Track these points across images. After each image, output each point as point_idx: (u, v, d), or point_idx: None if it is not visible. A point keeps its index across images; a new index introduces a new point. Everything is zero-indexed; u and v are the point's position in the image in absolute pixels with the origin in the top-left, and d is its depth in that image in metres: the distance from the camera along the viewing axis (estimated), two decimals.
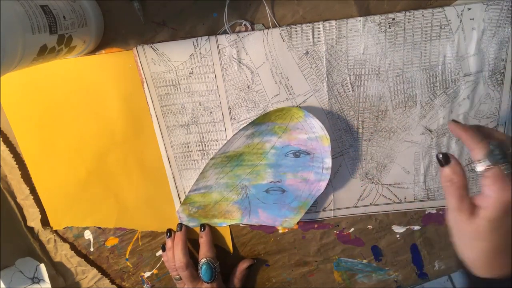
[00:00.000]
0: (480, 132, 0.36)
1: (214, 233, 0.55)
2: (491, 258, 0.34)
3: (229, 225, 0.54)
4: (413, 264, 0.56)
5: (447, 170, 0.36)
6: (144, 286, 0.59)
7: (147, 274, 0.58)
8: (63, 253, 0.56)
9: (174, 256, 0.53)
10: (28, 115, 0.50)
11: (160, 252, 0.57)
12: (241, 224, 0.54)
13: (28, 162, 0.52)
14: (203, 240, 0.53)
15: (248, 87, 0.47)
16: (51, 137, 0.51)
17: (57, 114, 0.50)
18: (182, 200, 0.53)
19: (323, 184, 0.48)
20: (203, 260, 0.52)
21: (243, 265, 0.55)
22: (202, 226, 0.53)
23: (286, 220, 0.51)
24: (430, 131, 0.48)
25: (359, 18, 0.43)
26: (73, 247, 0.56)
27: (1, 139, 0.51)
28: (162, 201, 0.53)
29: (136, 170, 0.52)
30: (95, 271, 0.57)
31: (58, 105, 0.49)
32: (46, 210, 0.54)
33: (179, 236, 0.53)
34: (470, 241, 0.35)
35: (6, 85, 0.48)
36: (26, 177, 0.53)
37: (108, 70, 0.47)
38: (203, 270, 0.52)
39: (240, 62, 0.46)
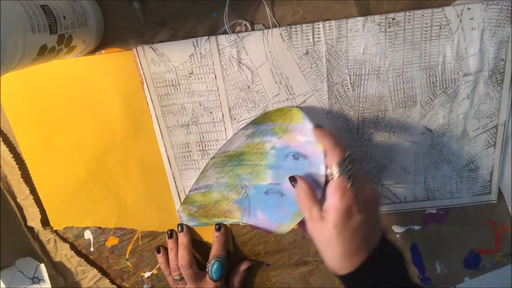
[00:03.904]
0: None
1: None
2: (342, 260, 0.38)
3: (229, 225, 0.54)
4: (414, 266, 0.56)
5: (296, 190, 0.43)
6: (144, 286, 0.59)
7: (147, 274, 0.58)
8: (63, 253, 0.56)
9: (176, 255, 0.53)
10: (28, 115, 0.50)
11: None
12: (241, 223, 0.54)
13: (28, 162, 0.52)
14: (218, 240, 0.53)
15: (248, 87, 0.47)
16: (51, 137, 0.51)
17: (57, 114, 0.50)
18: (182, 200, 0.53)
19: (318, 192, 0.44)
20: (216, 258, 0.52)
21: (242, 267, 0.55)
22: (218, 225, 0.53)
23: (281, 226, 0.51)
24: (430, 131, 0.48)
25: (359, 18, 0.43)
26: (73, 247, 0.56)
27: (1, 139, 0.51)
28: (162, 201, 0.53)
29: (136, 170, 0.52)
30: (95, 271, 0.57)
31: (58, 105, 0.49)
32: (46, 210, 0.54)
33: (183, 235, 0.53)
34: (325, 246, 0.40)
35: (6, 85, 0.48)
36: (26, 177, 0.53)
37: (108, 70, 0.47)
38: (214, 268, 0.52)
39: (240, 62, 0.46)
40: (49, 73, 0.48)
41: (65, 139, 0.51)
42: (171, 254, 0.54)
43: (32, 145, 0.51)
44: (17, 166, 0.51)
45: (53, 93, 0.49)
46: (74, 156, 0.51)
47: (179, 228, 0.53)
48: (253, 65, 0.46)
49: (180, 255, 0.53)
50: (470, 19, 0.43)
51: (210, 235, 0.55)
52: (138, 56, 0.46)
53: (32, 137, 0.51)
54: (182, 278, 0.53)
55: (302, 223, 0.54)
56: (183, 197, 0.53)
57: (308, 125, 0.45)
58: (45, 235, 0.56)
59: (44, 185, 0.53)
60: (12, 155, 0.51)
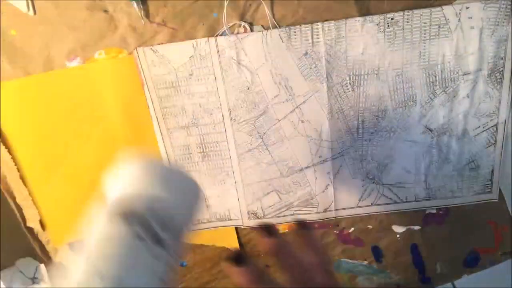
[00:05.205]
0: None
1: (218, 233, 0.54)
2: None
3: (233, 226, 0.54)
4: (414, 267, 0.56)
5: None
6: None
7: None
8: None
9: None
10: (28, 119, 0.49)
11: None
12: (242, 226, 0.54)
13: (31, 181, 0.52)
14: None
15: (248, 88, 0.47)
16: (51, 141, 0.50)
17: (56, 117, 0.49)
18: None
19: None
20: None
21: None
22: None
23: None
24: (430, 130, 0.48)
25: (358, 18, 0.44)
26: None
27: (0, 140, 0.50)
28: None
29: None
30: None
31: (58, 109, 0.49)
32: (47, 228, 0.54)
33: None
34: None
35: (6, 88, 0.48)
36: (25, 178, 0.52)
37: (108, 73, 0.47)
38: None
39: (239, 63, 0.46)
40: (49, 77, 0.47)
41: (65, 142, 0.50)
42: None
43: (33, 156, 0.51)
44: (15, 167, 0.51)
45: (53, 96, 0.49)
46: (75, 157, 0.51)
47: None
48: (252, 66, 0.46)
49: None
50: (469, 18, 0.43)
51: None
52: (139, 58, 0.46)
53: (32, 145, 0.50)
54: None
55: (302, 224, 0.54)
56: None
57: None
58: (44, 236, 0.55)
59: (46, 203, 0.53)
60: (11, 156, 0.51)
